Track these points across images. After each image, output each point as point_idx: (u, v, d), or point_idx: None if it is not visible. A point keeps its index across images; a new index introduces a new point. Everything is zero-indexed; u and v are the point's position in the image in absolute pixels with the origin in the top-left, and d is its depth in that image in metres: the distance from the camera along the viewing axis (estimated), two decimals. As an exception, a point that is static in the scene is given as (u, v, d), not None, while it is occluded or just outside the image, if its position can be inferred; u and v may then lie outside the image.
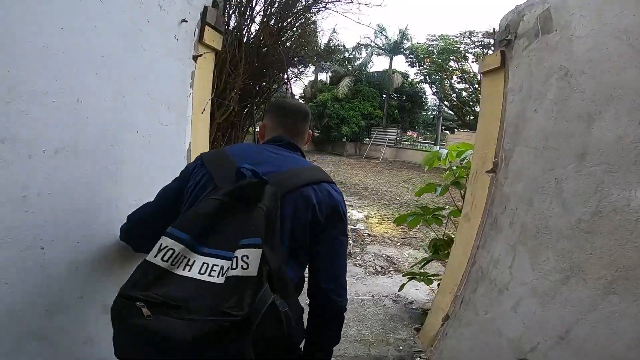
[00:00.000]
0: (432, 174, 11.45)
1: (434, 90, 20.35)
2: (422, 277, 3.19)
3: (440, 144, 20.30)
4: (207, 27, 1.80)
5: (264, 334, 0.73)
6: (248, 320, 0.68)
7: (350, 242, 5.49)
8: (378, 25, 21.55)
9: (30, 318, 1.06)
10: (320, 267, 1.01)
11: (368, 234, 6.10)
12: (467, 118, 18.23)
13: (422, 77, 20.30)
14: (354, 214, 7.41)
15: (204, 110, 1.92)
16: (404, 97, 22.82)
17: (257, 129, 3.11)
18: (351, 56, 23.46)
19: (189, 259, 0.76)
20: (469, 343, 1.98)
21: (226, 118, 2.57)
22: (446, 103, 20.14)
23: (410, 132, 25.56)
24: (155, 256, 0.74)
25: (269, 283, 0.76)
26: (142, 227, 1.12)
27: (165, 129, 1.64)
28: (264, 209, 0.80)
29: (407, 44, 21.28)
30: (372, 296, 3.63)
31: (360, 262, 4.71)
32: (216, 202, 0.82)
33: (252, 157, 1.02)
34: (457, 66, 17.22)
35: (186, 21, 1.64)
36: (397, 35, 21.63)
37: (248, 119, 2.80)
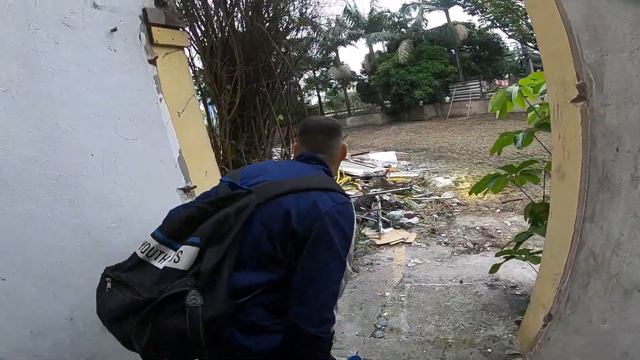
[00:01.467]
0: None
1: (510, 34, 18.91)
2: (524, 256, 2.46)
3: None
4: (155, 28, 1.69)
5: (167, 321, 0.81)
6: (146, 303, 0.82)
7: (435, 215, 4.82)
8: None
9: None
10: (293, 286, 0.93)
11: (457, 202, 5.33)
12: None
13: (488, 23, 19.13)
14: (438, 180, 6.65)
15: (183, 111, 1.67)
16: (477, 47, 21.30)
17: (279, 117, 2.84)
18: (400, 19, 22.73)
19: (165, 254, 0.91)
20: (579, 357, 1.34)
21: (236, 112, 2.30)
22: (530, 44, 18.42)
23: (497, 81, 23.60)
24: (139, 249, 0.92)
25: (195, 279, 0.85)
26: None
27: (134, 142, 1.54)
28: (222, 214, 0.91)
29: None
30: (461, 281, 3.04)
31: (446, 240, 4.06)
32: (193, 208, 0.95)
33: (258, 170, 1.10)
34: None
35: (115, 30, 1.53)
36: None
37: (267, 109, 2.47)
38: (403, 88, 19.55)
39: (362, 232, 4.50)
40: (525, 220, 2.54)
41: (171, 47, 1.76)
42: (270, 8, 2.18)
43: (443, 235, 4.20)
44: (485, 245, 3.78)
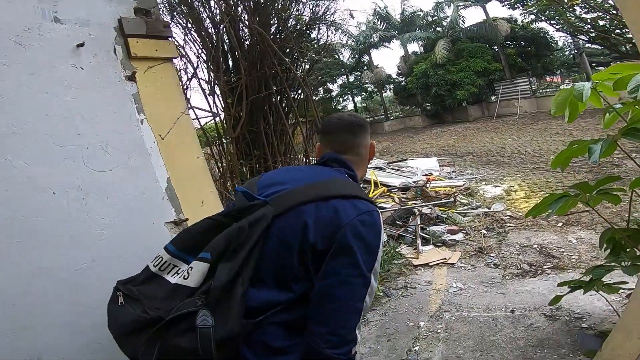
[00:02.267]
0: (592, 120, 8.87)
1: (557, 27, 17.83)
2: (598, 287, 2.01)
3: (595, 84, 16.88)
4: (133, 40, 1.52)
5: (175, 341, 0.78)
6: (158, 321, 0.80)
7: (484, 231, 4.32)
8: None
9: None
10: (312, 304, 0.86)
11: (510, 215, 4.76)
12: (622, 47, 15.76)
13: (532, 17, 18.13)
14: (487, 190, 6.06)
15: (168, 132, 1.48)
16: (523, 43, 20.20)
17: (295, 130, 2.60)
18: (435, 18, 22.20)
19: (179, 267, 0.89)
20: None
21: (243, 129, 2.08)
22: (582, 37, 17.34)
23: (548, 78, 22.42)
24: (152, 262, 0.92)
25: (205, 297, 0.81)
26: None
27: (108, 174, 1.36)
28: (234, 228, 0.85)
29: None
30: (512, 311, 2.60)
31: (495, 261, 3.57)
32: (209, 221, 0.92)
33: (276, 177, 1.05)
34: None
35: (82, 45, 1.35)
36: None
37: (280, 122, 2.23)
38: (444, 89, 18.93)
39: (397, 250, 4.12)
40: (600, 248, 2.06)
41: (155, 59, 1.57)
42: (272, 7, 1.94)
43: (492, 255, 3.71)
44: (545, 267, 3.26)
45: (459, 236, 4.31)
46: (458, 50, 19.47)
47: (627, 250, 1.89)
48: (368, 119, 27.66)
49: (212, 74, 1.95)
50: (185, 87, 1.95)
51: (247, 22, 1.84)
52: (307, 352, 0.83)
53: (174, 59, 1.71)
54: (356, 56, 24.91)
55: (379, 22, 23.05)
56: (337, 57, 24.99)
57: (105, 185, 1.32)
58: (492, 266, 3.47)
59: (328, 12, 2.63)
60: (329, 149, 1.12)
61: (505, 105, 18.02)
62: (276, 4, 1.95)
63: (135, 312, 0.82)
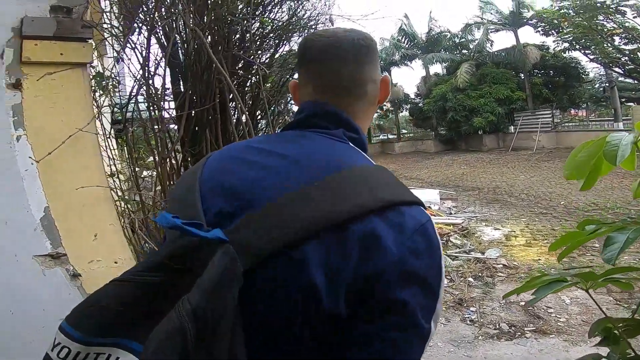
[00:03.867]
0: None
1: (592, 57, 17.51)
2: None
3: (624, 121, 16.67)
4: (30, 42, 1.36)
5: None
6: None
7: (470, 279, 4.04)
8: (481, 0, 20.18)
9: None
10: None
11: (504, 264, 4.45)
12: None
13: (565, 45, 17.89)
14: (485, 232, 5.76)
15: (53, 151, 1.29)
16: (552, 72, 19.87)
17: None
18: (462, 40, 22.15)
19: (104, 354, 0.53)
20: None
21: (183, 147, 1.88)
22: (617, 70, 17.06)
23: (573, 111, 22.32)
24: (51, 351, 0.53)
25: None
26: None
27: None
28: (181, 317, 0.43)
29: (527, 13, 19.08)
30: None
31: (473, 317, 3.28)
32: (124, 285, 0.53)
33: (238, 173, 0.58)
34: (614, 24, 14.95)
35: None
36: (512, 5, 19.48)
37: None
38: (461, 114, 18.69)
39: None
40: (589, 337, 1.75)
41: (58, 64, 1.40)
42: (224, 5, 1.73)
43: (472, 309, 3.41)
44: (526, 329, 3.00)
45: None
46: (482, 75, 19.32)
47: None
48: (380, 138, 27.78)
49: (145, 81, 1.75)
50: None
51: (189, 24, 1.64)
52: None
53: (88, 65, 1.53)
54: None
55: (403, 40, 23.07)
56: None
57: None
58: (468, 322, 3.19)
59: (309, 17, 2.39)
60: (311, 90, 0.68)
61: (524, 137, 17.66)
62: (233, 2, 1.73)
63: None
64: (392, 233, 0.51)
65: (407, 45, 22.99)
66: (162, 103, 1.83)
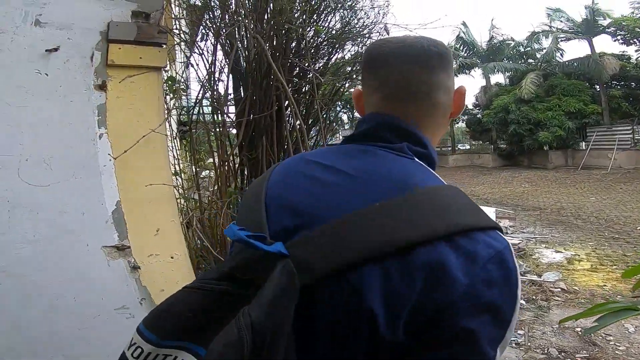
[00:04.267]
0: None
1: None
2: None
3: None
4: (115, 46, 1.48)
5: None
6: None
7: (522, 302, 3.78)
8: (548, 8, 19.11)
9: None
10: None
11: (562, 288, 4.13)
12: None
13: None
14: (545, 254, 5.39)
15: (126, 151, 1.42)
16: (633, 84, 18.16)
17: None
18: (527, 49, 20.97)
19: (175, 357, 0.55)
20: None
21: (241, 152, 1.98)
22: None
23: None
24: (127, 350, 0.56)
25: None
26: None
27: (45, 190, 1.31)
28: (240, 329, 0.44)
29: (603, 21, 17.64)
30: None
31: (520, 340, 3.07)
32: (190, 294, 0.55)
33: (286, 197, 0.59)
34: None
35: (55, 49, 1.34)
36: (585, 13, 18.07)
37: (284, 152, 2.10)
38: (524, 127, 17.61)
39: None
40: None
41: (138, 68, 1.53)
42: (283, 15, 1.79)
43: (520, 332, 3.18)
44: (577, 356, 2.75)
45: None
46: (550, 87, 18.13)
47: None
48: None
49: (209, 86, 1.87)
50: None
51: (251, 31, 1.73)
52: None
53: (162, 69, 1.67)
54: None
55: (461, 48, 22.32)
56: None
57: (39, 201, 1.27)
58: (514, 345, 2.97)
59: (363, 26, 2.39)
60: (376, 101, 0.65)
61: (597, 155, 16.22)
62: (292, 12, 1.79)
63: None
64: (462, 262, 0.48)
65: (465, 54, 22.19)
66: (224, 108, 1.93)
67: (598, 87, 18.01)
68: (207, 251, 1.84)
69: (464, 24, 21.77)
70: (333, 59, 2.41)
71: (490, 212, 7.26)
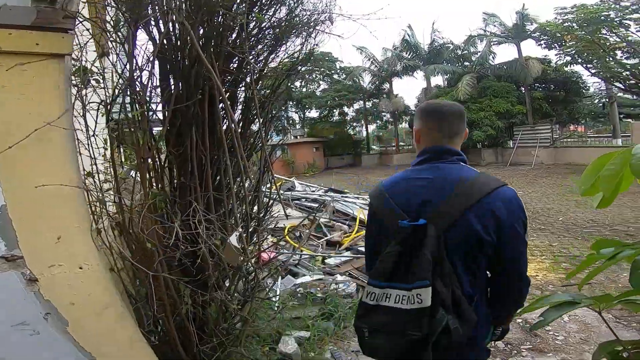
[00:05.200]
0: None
1: (593, 72, 17.53)
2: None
3: (623, 137, 17.11)
4: (5, 31, 1.32)
5: (440, 343, 1.09)
6: (425, 338, 1.08)
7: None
8: (484, 13, 20.44)
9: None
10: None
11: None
12: None
13: (567, 59, 17.84)
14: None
15: (10, 147, 1.17)
16: (552, 86, 20.03)
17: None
18: (464, 52, 22.26)
19: (387, 294, 1.15)
20: None
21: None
22: (618, 84, 17.17)
23: (573, 127, 21.87)
24: (366, 298, 1.19)
25: (443, 308, 1.09)
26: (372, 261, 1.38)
27: None
28: (428, 256, 1.10)
29: (530, 26, 19.13)
30: None
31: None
32: (392, 254, 1.16)
33: (408, 199, 1.23)
34: (617, 38, 15.02)
35: None
36: (515, 18, 19.52)
37: (219, 146, 1.92)
38: (460, 127, 18.59)
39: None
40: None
41: (33, 55, 1.32)
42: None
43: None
44: (522, 348, 2.89)
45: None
46: (482, 88, 19.33)
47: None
48: (378, 149, 27.68)
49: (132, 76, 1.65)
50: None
51: (178, 16, 1.53)
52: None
53: (67, 57, 1.44)
54: (377, 82, 24.97)
55: (405, 50, 23.12)
56: (356, 80, 25.12)
57: None
58: None
59: (309, 14, 2.25)
60: (435, 136, 1.27)
61: (522, 153, 17.64)
62: None
63: (404, 337, 1.08)
64: (500, 202, 1.14)
65: (409, 56, 23.03)
66: (146, 99, 1.72)
67: (523, 89, 19.52)
68: (123, 259, 1.63)
69: (409, 26, 22.60)
70: (279, 54, 2.27)
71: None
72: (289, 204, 6.59)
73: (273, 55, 2.37)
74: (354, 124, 28.57)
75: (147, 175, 1.78)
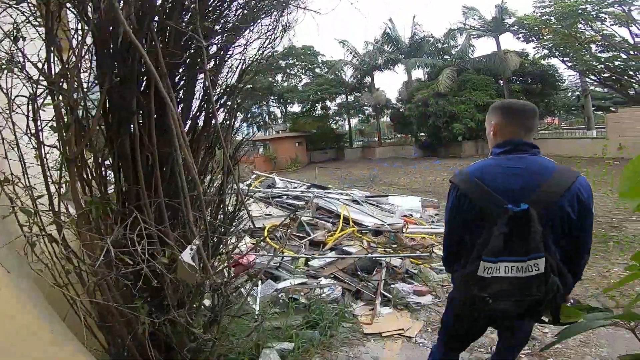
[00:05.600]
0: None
1: (569, 65, 17.75)
2: None
3: (597, 129, 17.36)
4: None
5: (550, 300, 1.40)
6: (543, 298, 1.38)
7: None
8: (464, 6, 20.35)
9: None
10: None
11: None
12: (633, 91, 16.26)
13: (545, 52, 18.00)
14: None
15: None
16: (530, 79, 20.17)
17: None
18: (444, 45, 22.21)
19: (497, 267, 1.38)
20: None
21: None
22: (592, 77, 17.53)
23: (549, 119, 22.19)
24: (483, 272, 1.41)
25: (552, 273, 1.38)
26: (454, 256, 1.70)
27: None
28: (539, 234, 1.34)
29: (509, 20, 19.21)
30: None
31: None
32: (502, 235, 1.36)
33: (504, 185, 1.45)
34: (592, 32, 15.23)
35: None
36: (495, 11, 19.57)
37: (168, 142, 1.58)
38: (441, 120, 18.66)
39: (349, 310, 3.44)
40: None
41: None
42: None
43: (462, 332, 3.04)
44: (520, 355, 2.67)
45: (426, 299, 3.65)
46: (462, 81, 19.34)
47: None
48: (361, 142, 27.51)
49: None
50: None
51: None
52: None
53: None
54: (359, 76, 24.71)
55: (387, 44, 22.92)
56: (338, 74, 24.81)
57: None
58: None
59: None
60: (515, 130, 1.53)
61: (502, 145, 17.76)
62: None
63: (528, 298, 1.39)
64: (582, 189, 1.45)
65: (390, 50, 22.85)
66: (71, 88, 1.37)
67: (502, 82, 19.62)
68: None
69: (390, 20, 22.38)
70: (250, 33, 1.92)
71: (416, 201, 7.34)
72: (269, 201, 6.27)
73: (239, 38, 2.04)
74: (337, 118, 28.26)
75: (85, 177, 1.44)
